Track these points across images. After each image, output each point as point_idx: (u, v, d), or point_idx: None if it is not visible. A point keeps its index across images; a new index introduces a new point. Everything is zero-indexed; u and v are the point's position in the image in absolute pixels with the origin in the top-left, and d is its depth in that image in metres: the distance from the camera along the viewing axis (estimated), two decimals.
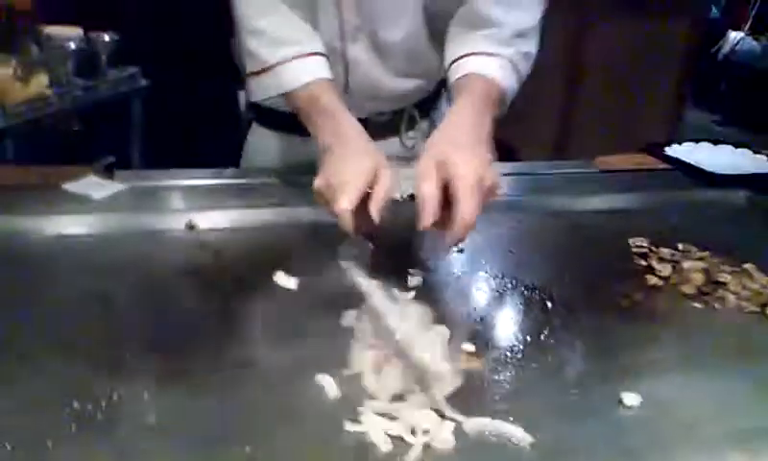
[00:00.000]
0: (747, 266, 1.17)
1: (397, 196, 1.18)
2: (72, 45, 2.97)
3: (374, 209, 0.98)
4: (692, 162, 1.64)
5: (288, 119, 1.26)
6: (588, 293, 1.10)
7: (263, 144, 1.55)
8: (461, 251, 1.20)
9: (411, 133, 1.52)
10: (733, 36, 6.68)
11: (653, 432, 0.80)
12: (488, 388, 0.85)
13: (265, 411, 0.79)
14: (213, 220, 1.24)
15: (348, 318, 0.97)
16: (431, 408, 0.79)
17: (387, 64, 1.37)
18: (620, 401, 0.84)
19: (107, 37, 3.18)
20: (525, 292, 1.09)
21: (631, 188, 1.54)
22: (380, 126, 1.45)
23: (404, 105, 1.48)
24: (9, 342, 0.89)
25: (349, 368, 0.86)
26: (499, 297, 1.08)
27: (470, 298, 1.08)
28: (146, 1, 3.56)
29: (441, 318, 0.97)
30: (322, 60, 1.22)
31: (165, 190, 1.39)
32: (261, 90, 1.29)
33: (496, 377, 0.87)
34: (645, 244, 1.24)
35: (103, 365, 0.85)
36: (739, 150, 1.74)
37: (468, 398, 0.82)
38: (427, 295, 1.05)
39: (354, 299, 0.99)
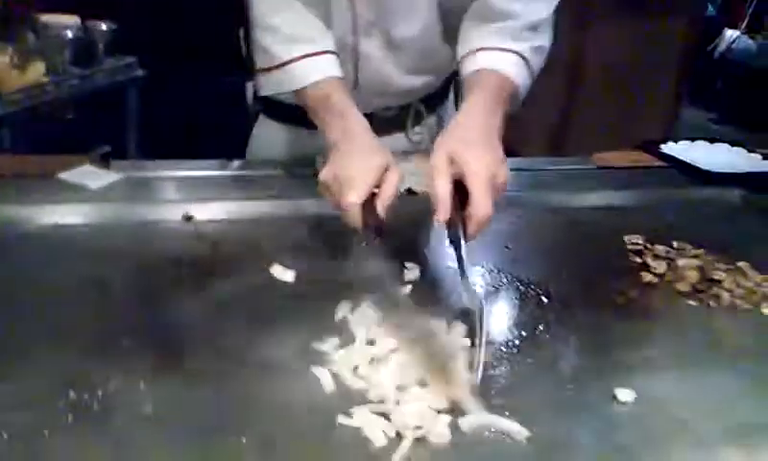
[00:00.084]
0: (741, 264, 1.18)
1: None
2: (69, 34, 2.96)
3: (381, 206, 0.99)
4: (688, 160, 1.64)
5: (296, 111, 1.26)
6: (584, 289, 1.10)
7: (270, 136, 1.55)
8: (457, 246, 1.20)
9: (417, 129, 1.52)
10: (730, 34, 6.68)
11: (647, 428, 0.81)
12: (483, 383, 0.85)
13: (261, 403, 0.80)
14: (211, 211, 1.24)
15: (344, 310, 0.97)
16: (427, 404, 0.79)
17: (398, 61, 1.37)
18: (614, 397, 0.84)
19: (103, 26, 3.17)
20: (521, 287, 1.09)
21: (627, 185, 1.54)
22: (386, 121, 1.45)
23: (411, 100, 1.48)
24: (5, 332, 0.89)
25: (346, 361, 0.86)
26: (495, 292, 1.08)
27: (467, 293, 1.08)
28: None
29: (437, 312, 0.97)
30: (333, 58, 1.22)
31: (162, 181, 1.39)
32: (272, 86, 1.29)
33: (492, 372, 0.88)
34: (641, 241, 1.25)
35: (99, 355, 0.85)
36: (734, 148, 1.75)
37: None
38: (423, 289, 1.05)
39: (350, 291, 1.00)
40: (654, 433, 0.80)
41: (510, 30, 1.22)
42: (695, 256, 1.20)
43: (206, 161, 1.46)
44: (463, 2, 1.28)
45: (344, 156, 1.07)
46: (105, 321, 0.93)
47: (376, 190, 1.01)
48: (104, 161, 1.40)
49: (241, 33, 1.44)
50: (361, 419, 0.77)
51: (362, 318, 0.95)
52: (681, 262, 1.17)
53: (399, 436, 0.75)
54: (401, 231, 1.18)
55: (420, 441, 0.75)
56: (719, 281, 1.13)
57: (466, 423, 0.77)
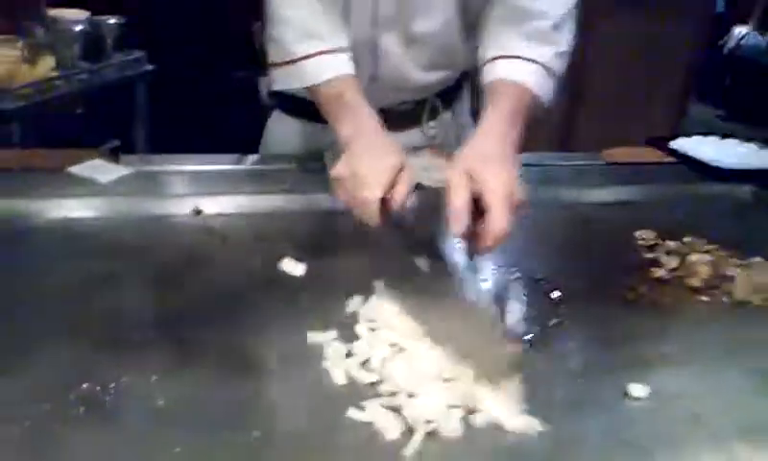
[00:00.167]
0: (754, 260, 1.17)
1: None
2: (78, 28, 2.97)
3: (398, 203, 1.00)
4: (698, 156, 1.64)
5: (310, 106, 1.25)
6: (595, 285, 1.10)
7: (284, 131, 1.55)
8: None
9: (432, 123, 1.51)
10: (738, 30, 6.65)
11: (659, 424, 0.80)
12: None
13: (272, 396, 0.80)
14: (221, 205, 1.24)
15: (355, 304, 0.97)
16: (439, 398, 0.79)
17: (416, 56, 1.37)
18: (626, 393, 0.84)
19: (112, 21, 3.17)
20: (531, 283, 1.09)
21: (637, 181, 1.54)
22: (402, 115, 1.45)
23: (427, 95, 1.48)
24: (16, 326, 0.89)
25: (357, 355, 0.86)
26: (505, 287, 1.08)
27: (476, 287, 1.08)
28: None
29: (447, 306, 0.96)
30: (346, 56, 1.22)
31: (171, 175, 1.39)
32: (284, 81, 1.28)
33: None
34: (651, 237, 1.24)
35: (110, 349, 0.85)
36: (745, 144, 1.74)
37: None
38: (434, 283, 1.05)
39: (361, 285, 0.99)
40: (666, 429, 0.80)
41: (534, 32, 1.20)
42: (707, 252, 1.19)
43: (216, 156, 1.46)
44: None
45: (357, 154, 1.06)
46: (115, 315, 0.93)
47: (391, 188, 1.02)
48: (113, 156, 1.40)
49: (256, 27, 1.44)
50: (372, 412, 0.77)
51: (373, 312, 0.95)
52: (692, 258, 1.16)
53: (411, 430, 0.75)
54: (412, 226, 1.17)
55: (431, 435, 0.75)
56: (731, 277, 1.12)
57: (478, 418, 0.77)
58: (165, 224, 1.20)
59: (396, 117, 1.36)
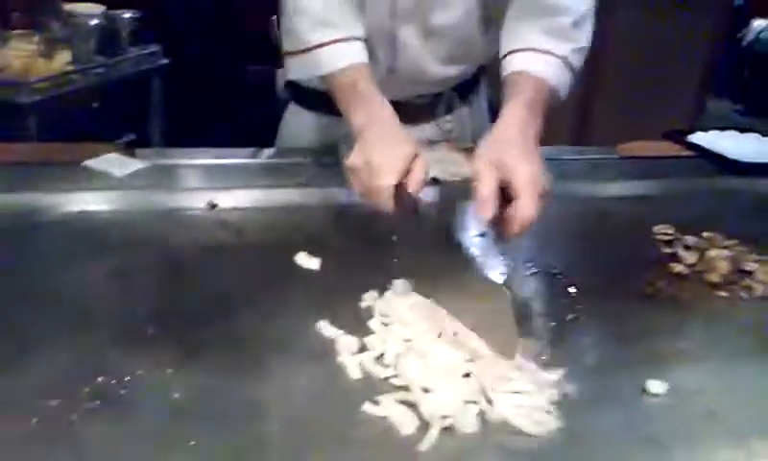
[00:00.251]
0: None
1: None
2: (94, 22, 2.98)
3: (413, 190, 0.99)
4: (717, 150, 1.62)
5: (326, 99, 1.25)
6: (612, 279, 1.09)
7: (300, 124, 1.55)
8: (482, 235, 1.19)
9: (448, 117, 1.51)
10: (757, 23, 6.58)
11: (676, 420, 0.79)
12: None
13: (287, 390, 0.79)
14: (236, 199, 1.24)
15: (370, 299, 0.97)
16: (455, 394, 0.79)
17: (434, 49, 1.37)
18: (644, 389, 0.83)
19: (128, 15, 3.18)
20: (548, 278, 1.08)
21: (655, 175, 1.53)
22: (418, 108, 1.44)
23: (444, 89, 1.48)
24: (31, 319, 0.89)
25: (372, 350, 0.86)
26: (523, 282, 1.07)
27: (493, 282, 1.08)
28: None
29: (463, 300, 0.96)
30: (360, 45, 1.21)
31: (187, 169, 1.39)
32: (298, 70, 1.28)
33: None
34: (670, 232, 1.23)
35: (126, 342, 0.85)
36: (764, 138, 1.72)
37: None
38: (450, 278, 1.04)
39: (376, 280, 0.99)
40: (684, 425, 0.79)
41: (554, 28, 1.20)
42: (726, 247, 1.18)
43: (231, 149, 1.46)
44: None
45: (371, 142, 1.06)
46: (131, 308, 0.93)
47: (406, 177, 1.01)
48: (129, 149, 1.41)
49: (272, 20, 1.44)
50: (388, 407, 0.77)
51: (388, 306, 0.94)
52: (711, 253, 1.15)
53: (426, 426, 0.74)
54: (427, 217, 1.17)
55: (447, 430, 0.74)
56: (751, 273, 1.11)
57: (494, 413, 0.76)
58: (180, 217, 1.20)
59: (413, 111, 1.36)
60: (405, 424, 0.74)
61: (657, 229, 1.24)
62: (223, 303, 0.96)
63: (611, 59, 3.86)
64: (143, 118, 3.33)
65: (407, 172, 1.01)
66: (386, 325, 0.91)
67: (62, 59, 2.83)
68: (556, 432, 0.75)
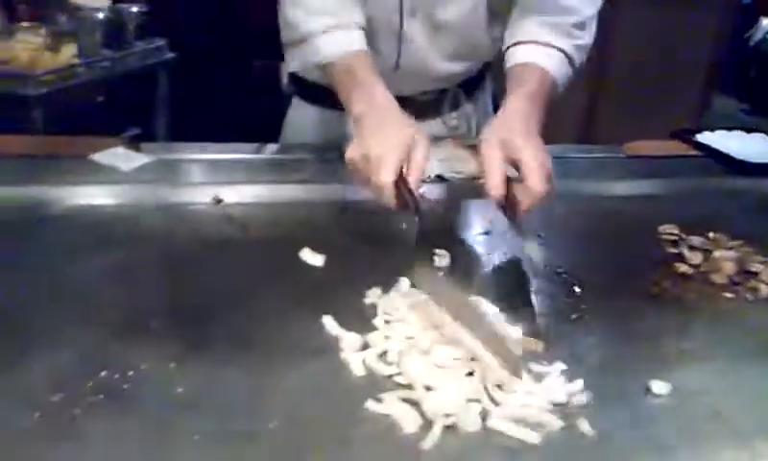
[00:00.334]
0: None
1: (425, 176, 1.17)
2: (101, 16, 2.98)
3: (414, 179, 0.99)
4: (723, 150, 1.62)
5: (329, 93, 1.25)
6: (617, 279, 1.09)
7: (304, 119, 1.55)
8: (487, 233, 1.19)
9: (454, 114, 1.51)
10: (765, 22, 6.56)
11: (680, 421, 0.79)
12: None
13: (290, 386, 0.79)
14: (241, 194, 1.24)
15: (374, 296, 0.96)
16: (458, 392, 0.79)
17: (440, 45, 1.37)
18: (649, 389, 0.83)
19: (134, 9, 3.19)
20: (553, 276, 1.08)
21: (661, 175, 1.52)
22: (424, 105, 1.44)
23: (449, 85, 1.48)
24: (36, 312, 0.90)
25: (375, 347, 0.86)
26: (526, 280, 1.07)
27: (498, 280, 1.07)
28: None
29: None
30: (359, 33, 1.21)
31: (192, 163, 1.39)
32: (298, 60, 1.28)
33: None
34: (675, 231, 1.23)
35: (129, 336, 0.85)
36: None
37: None
38: (454, 276, 1.04)
39: (380, 277, 0.99)
40: (688, 426, 0.78)
41: (559, 25, 1.23)
42: (732, 248, 1.17)
43: (237, 144, 1.46)
44: None
45: (368, 134, 1.06)
46: (135, 302, 0.93)
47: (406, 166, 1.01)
48: (134, 143, 1.41)
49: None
50: (390, 405, 0.76)
51: (392, 304, 0.94)
52: (717, 254, 1.15)
53: (429, 424, 0.74)
54: (431, 218, 1.17)
55: (450, 429, 0.74)
56: (756, 274, 1.10)
57: (497, 412, 0.76)
58: (185, 212, 1.20)
59: (418, 107, 1.36)
60: (408, 422, 0.74)
61: (662, 228, 1.24)
62: (227, 298, 0.96)
63: (617, 57, 3.85)
64: (148, 112, 3.33)
65: (407, 160, 1.01)
66: (389, 322, 0.91)
67: (68, 52, 2.83)
68: (559, 432, 0.75)
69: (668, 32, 3.86)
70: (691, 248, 1.18)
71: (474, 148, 1.17)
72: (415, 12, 1.31)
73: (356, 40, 1.20)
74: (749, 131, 1.75)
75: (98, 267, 1.01)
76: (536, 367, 0.84)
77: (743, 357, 0.93)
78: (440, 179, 1.30)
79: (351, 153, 1.05)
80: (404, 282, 0.99)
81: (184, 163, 1.39)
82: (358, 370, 0.82)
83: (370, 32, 1.27)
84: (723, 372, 0.89)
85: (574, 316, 0.98)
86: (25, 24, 2.81)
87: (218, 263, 1.05)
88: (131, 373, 0.78)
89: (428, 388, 0.79)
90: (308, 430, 0.73)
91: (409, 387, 0.79)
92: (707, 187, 1.50)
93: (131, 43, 3.20)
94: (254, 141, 1.49)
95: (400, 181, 0.99)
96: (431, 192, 1.26)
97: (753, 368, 0.91)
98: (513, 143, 1.02)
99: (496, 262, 1.12)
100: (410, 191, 0.99)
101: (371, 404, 0.76)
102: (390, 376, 0.81)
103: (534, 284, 1.06)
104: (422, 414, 0.75)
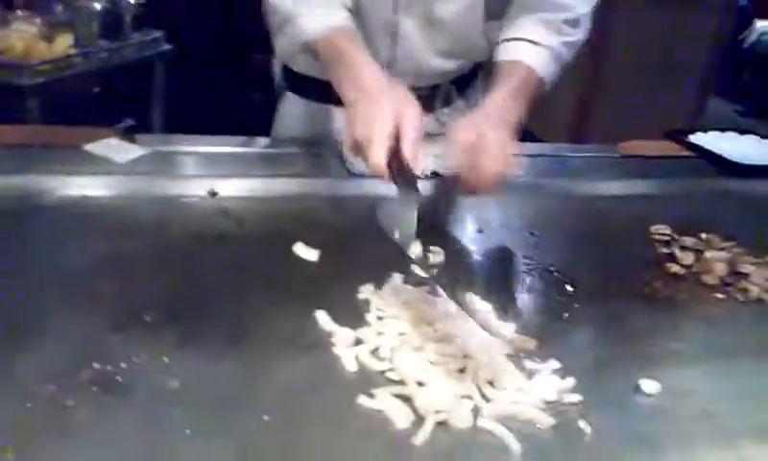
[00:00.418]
0: None
1: (419, 173, 1.17)
2: (97, 6, 2.97)
3: (408, 153, 0.98)
4: (717, 151, 1.62)
5: (321, 87, 1.25)
6: (609, 278, 1.09)
7: (295, 113, 1.55)
8: (481, 231, 1.20)
9: (446, 110, 1.51)
10: (760, 25, 6.58)
11: (670, 421, 0.80)
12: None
13: (283, 381, 0.80)
14: (236, 188, 1.24)
15: (368, 292, 0.97)
16: (449, 388, 0.79)
17: (435, 43, 1.37)
18: (639, 388, 0.83)
19: (132, 0, 3.17)
20: (545, 275, 1.08)
21: (654, 175, 1.53)
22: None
23: (442, 81, 1.48)
24: (29, 303, 0.89)
25: (368, 342, 0.86)
26: (520, 278, 1.08)
27: (490, 278, 1.08)
28: None
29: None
30: (345, 13, 1.21)
31: (187, 156, 1.39)
32: (284, 44, 1.28)
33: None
34: (668, 232, 1.23)
35: (123, 328, 0.85)
36: (765, 140, 1.72)
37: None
38: (447, 272, 1.04)
39: (374, 273, 0.99)
40: (678, 425, 0.79)
41: (552, 21, 1.25)
42: (723, 249, 1.18)
43: (232, 137, 1.46)
44: None
45: (357, 114, 1.04)
46: (129, 294, 0.93)
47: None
48: (129, 135, 1.41)
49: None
50: (383, 400, 0.77)
51: (385, 300, 0.95)
52: (708, 254, 1.16)
53: (422, 420, 0.75)
54: (425, 214, 1.17)
55: (442, 425, 0.74)
56: (747, 275, 1.11)
57: (488, 409, 0.77)
58: (180, 205, 1.20)
59: None
60: (400, 417, 0.75)
61: (654, 229, 1.25)
62: (221, 291, 0.96)
63: (612, 57, 3.86)
64: (144, 104, 3.32)
65: (399, 134, 0.99)
66: (382, 318, 0.91)
67: (64, 42, 2.82)
68: (549, 430, 0.76)
69: (664, 33, 3.87)
70: (683, 248, 1.19)
71: None
72: (410, 9, 1.31)
73: (340, 17, 1.20)
74: (742, 132, 1.76)
75: (91, 258, 1.00)
76: (528, 364, 0.85)
77: (733, 358, 0.93)
78: (435, 175, 1.31)
79: (346, 139, 1.05)
80: (397, 278, 0.99)
81: (179, 156, 1.38)
82: (351, 365, 0.83)
83: (364, 28, 1.27)
84: (713, 372, 0.90)
85: (566, 315, 0.98)
86: (21, 13, 2.79)
87: (212, 257, 1.05)
88: (124, 365, 0.78)
89: (420, 384, 0.79)
90: (301, 424, 0.73)
91: (401, 383, 0.80)
92: (699, 188, 1.51)
93: (127, 34, 3.19)
94: (251, 134, 1.49)
95: (395, 159, 0.98)
96: (425, 188, 1.26)
97: (742, 368, 0.91)
98: (479, 129, 1.04)
99: (489, 259, 1.12)
100: (406, 167, 0.98)
101: (363, 400, 0.77)
102: (382, 372, 0.82)
103: (527, 282, 1.06)
104: (414, 410, 0.76)
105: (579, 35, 1.30)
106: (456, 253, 1.10)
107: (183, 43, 3.41)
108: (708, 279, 1.10)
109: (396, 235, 0.95)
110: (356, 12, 1.28)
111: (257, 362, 0.82)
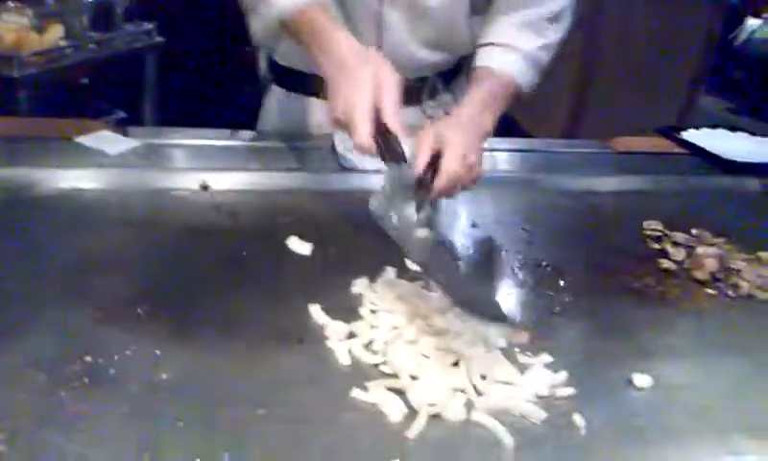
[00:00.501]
0: (761, 254, 1.17)
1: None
2: None
3: (391, 123, 0.98)
4: (708, 148, 1.63)
5: (306, 80, 1.24)
6: (601, 273, 1.10)
7: (280, 107, 1.54)
8: (474, 226, 1.20)
9: (432, 103, 1.51)
10: (751, 23, 6.60)
11: (662, 414, 0.80)
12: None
13: (276, 374, 0.80)
14: (228, 181, 1.24)
15: (361, 286, 0.97)
16: (442, 382, 0.79)
17: (420, 33, 1.36)
18: (631, 382, 0.84)
19: None
20: (538, 270, 1.09)
21: (646, 171, 1.53)
22: (402, 93, 1.44)
23: (428, 74, 1.48)
24: (20, 294, 0.89)
25: (361, 336, 0.86)
26: (512, 274, 1.08)
27: (477, 271, 1.08)
28: None
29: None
30: None
31: (179, 149, 1.38)
32: (259, 25, 1.25)
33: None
34: (659, 227, 1.24)
35: (116, 321, 0.85)
36: (756, 137, 1.73)
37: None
38: (438, 268, 1.05)
39: (367, 266, 0.99)
40: (669, 419, 0.80)
41: (530, 21, 1.26)
42: (714, 245, 1.19)
43: (224, 131, 1.45)
44: None
45: (335, 92, 1.05)
46: (120, 287, 0.93)
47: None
48: (121, 127, 1.40)
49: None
50: (376, 394, 0.77)
51: (378, 293, 0.95)
52: (700, 250, 1.16)
53: (415, 413, 0.75)
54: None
55: (435, 418, 0.75)
56: (738, 271, 1.12)
57: (481, 402, 0.77)
58: (172, 198, 1.19)
59: None
60: (393, 410, 0.75)
61: (646, 224, 1.25)
62: (213, 285, 0.96)
63: (604, 54, 3.86)
64: (136, 96, 3.30)
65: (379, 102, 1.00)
66: (375, 312, 0.91)
67: (55, 33, 2.80)
68: (542, 424, 0.76)
69: (656, 30, 3.87)
70: (675, 244, 1.19)
71: None
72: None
73: None
74: (733, 129, 1.77)
75: (83, 251, 1.00)
76: (521, 358, 0.85)
77: (723, 353, 0.94)
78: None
79: (329, 117, 1.05)
80: (391, 272, 0.99)
81: (171, 148, 1.38)
82: (344, 359, 0.83)
83: (349, 19, 1.27)
84: (703, 366, 0.91)
85: (558, 309, 0.99)
86: (11, 4, 2.77)
87: (205, 250, 1.04)
88: (116, 358, 0.78)
89: (413, 377, 0.79)
90: (294, 418, 0.73)
91: (394, 376, 0.80)
92: (691, 185, 1.51)
93: (118, 26, 3.16)
94: (243, 128, 1.48)
95: (379, 133, 0.97)
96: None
97: (733, 363, 0.92)
98: (445, 133, 1.03)
99: (477, 253, 1.13)
100: (391, 139, 0.98)
101: (356, 393, 0.77)
102: (375, 365, 0.82)
103: (520, 275, 1.07)
104: (408, 403, 0.76)
105: (559, 32, 1.30)
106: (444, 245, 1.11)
107: (175, 36, 3.39)
108: (700, 275, 1.11)
109: (395, 221, 0.95)
110: (341, 2, 1.28)
111: (250, 355, 0.82)
